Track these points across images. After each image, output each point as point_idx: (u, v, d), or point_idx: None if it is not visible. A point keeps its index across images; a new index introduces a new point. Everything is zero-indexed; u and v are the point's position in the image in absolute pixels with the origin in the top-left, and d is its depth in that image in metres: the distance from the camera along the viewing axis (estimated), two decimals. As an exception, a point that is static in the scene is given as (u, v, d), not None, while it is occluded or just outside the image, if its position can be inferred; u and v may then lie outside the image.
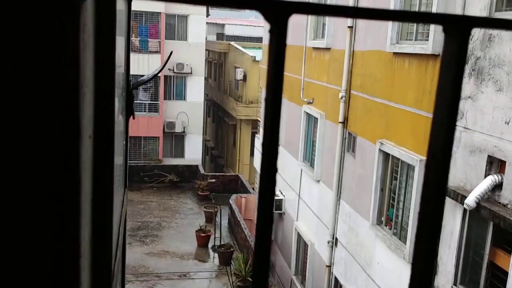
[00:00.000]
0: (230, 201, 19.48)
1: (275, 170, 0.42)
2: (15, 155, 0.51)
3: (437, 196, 0.45)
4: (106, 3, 0.71)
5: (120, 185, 1.76)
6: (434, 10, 7.37)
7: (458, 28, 0.41)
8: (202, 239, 17.77)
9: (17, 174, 0.51)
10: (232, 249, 16.83)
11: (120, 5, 1.50)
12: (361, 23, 10.05)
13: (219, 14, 45.86)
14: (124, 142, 1.91)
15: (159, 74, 25.32)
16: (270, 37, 0.38)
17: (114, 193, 1.20)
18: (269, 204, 0.44)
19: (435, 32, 7.35)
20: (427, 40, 7.67)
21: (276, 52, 0.38)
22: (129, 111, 1.83)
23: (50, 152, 0.51)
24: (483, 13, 6.39)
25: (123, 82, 1.77)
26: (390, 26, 8.67)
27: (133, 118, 1.92)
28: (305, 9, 0.37)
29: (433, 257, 0.43)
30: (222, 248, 16.78)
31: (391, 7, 8.61)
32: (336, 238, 11.03)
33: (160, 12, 25.50)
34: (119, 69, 1.65)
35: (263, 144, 0.42)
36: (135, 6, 24.69)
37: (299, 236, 13.38)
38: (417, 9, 8.14)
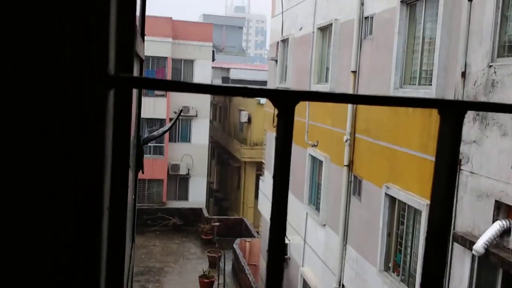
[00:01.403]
0: (234, 246, 19.21)
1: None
2: (38, 226, 0.53)
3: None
4: (124, 92, 0.76)
5: (128, 240, 1.74)
6: (436, 55, 7.48)
7: (453, 112, 0.43)
8: (206, 285, 17.42)
9: (36, 249, 0.53)
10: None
11: (134, 70, 1.55)
12: (364, 68, 10.20)
13: (225, 59, 46.77)
14: (133, 197, 1.91)
15: (164, 117, 25.58)
16: (278, 121, 0.39)
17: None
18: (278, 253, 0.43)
19: (438, 77, 7.43)
20: (430, 84, 7.75)
21: (284, 135, 0.38)
22: (139, 166, 1.84)
23: (75, 226, 0.54)
24: (485, 60, 6.48)
25: (134, 139, 1.79)
26: (393, 71, 8.79)
27: (143, 172, 1.93)
28: (309, 97, 0.37)
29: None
30: (226, 294, 16.42)
31: (394, 57, 8.75)
32: (343, 285, 10.79)
33: (166, 57, 26.02)
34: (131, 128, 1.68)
35: (270, 227, 0.42)
36: (142, 51, 25.19)
37: (304, 283, 13.09)
38: (419, 56, 8.27)
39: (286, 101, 0.36)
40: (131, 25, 0.84)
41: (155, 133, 2.74)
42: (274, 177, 0.44)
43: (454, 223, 6.93)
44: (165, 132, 2.98)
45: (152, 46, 25.27)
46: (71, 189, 0.52)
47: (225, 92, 0.37)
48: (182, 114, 26.63)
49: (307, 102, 13.31)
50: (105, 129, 0.54)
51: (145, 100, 24.97)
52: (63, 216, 0.53)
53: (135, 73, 1.57)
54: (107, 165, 0.62)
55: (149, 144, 26.37)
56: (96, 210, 0.55)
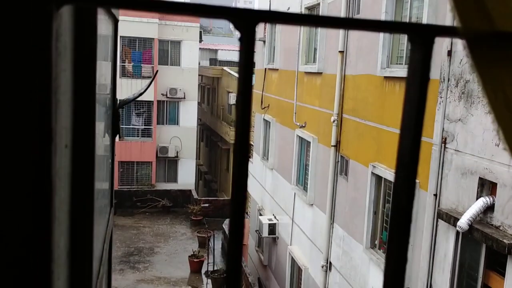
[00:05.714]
0: (224, 226, 19.34)
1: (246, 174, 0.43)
2: None
3: (406, 204, 0.46)
4: (85, 16, 0.73)
5: (106, 204, 1.75)
6: (425, 17, 7.46)
7: (422, 37, 0.43)
8: (195, 265, 17.56)
9: None
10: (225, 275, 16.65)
11: (106, 29, 1.53)
12: (352, 48, 10.19)
13: (212, 40, 46.36)
14: (110, 161, 1.91)
15: (151, 99, 25.41)
16: (239, 44, 0.40)
17: (97, 207, 1.20)
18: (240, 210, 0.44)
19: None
20: (417, 64, 7.77)
21: (245, 58, 0.39)
22: (115, 130, 1.84)
23: (19, 159, 0.51)
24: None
25: (109, 101, 1.78)
26: (380, 51, 8.79)
27: (120, 137, 1.93)
28: (272, 18, 0.38)
29: (404, 261, 0.44)
30: (216, 274, 16.58)
31: (381, 36, 8.73)
32: (330, 262, 10.94)
33: (153, 38, 25.74)
34: (105, 88, 1.66)
35: (234, 150, 0.43)
36: (128, 32, 24.92)
37: (293, 261, 13.26)
38: (408, 18, 8.26)
39: (246, 21, 0.37)
40: None
41: (131, 96, 2.72)
42: (236, 105, 0.44)
43: (439, 200, 7.03)
44: (140, 94, 2.97)
45: (139, 27, 24.96)
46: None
47: (176, 11, 0.36)
48: (170, 96, 26.46)
49: (295, 84, 13.29)
50: (51, 53, 0.48)
51: (132, 81, 24.84)
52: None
53: (108, 33, 1.54)
54: (58, 92, 0.57)
55: (137, 127, 26.23)
56: (46, 146, 0.52)
